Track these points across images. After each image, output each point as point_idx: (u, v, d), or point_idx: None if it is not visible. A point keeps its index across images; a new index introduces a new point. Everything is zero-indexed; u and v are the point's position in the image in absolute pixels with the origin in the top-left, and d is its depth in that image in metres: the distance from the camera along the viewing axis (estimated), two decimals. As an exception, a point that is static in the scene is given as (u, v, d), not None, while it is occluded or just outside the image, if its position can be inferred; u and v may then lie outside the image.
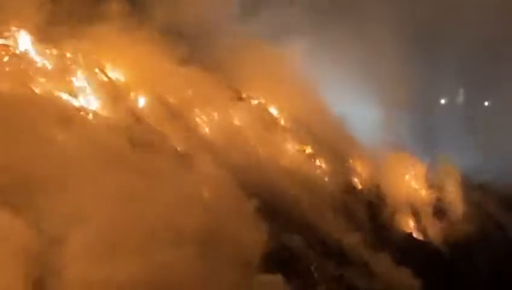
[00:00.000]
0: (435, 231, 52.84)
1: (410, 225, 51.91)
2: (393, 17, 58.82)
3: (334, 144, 51.31)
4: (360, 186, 51.85)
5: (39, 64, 35.68)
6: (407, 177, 54.67)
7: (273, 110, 49.07)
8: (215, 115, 43.20)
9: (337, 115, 52.79)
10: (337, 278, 40.19)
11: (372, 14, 57.80)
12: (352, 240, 44.32)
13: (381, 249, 46.09)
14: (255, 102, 47.97)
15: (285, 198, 41.82)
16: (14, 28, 35.17)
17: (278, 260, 34.64)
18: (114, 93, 38.35)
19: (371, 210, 50.23)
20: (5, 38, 34.86)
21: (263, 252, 32.07)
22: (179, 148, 38.91)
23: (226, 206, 33.29)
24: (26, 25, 35.38)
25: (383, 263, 44.82)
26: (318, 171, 48.96)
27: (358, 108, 54.82)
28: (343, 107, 53.19)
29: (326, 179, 49.09)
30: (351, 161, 52.71)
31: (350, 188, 50.69)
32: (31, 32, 35.55)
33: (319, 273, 39.18)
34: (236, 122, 44.72)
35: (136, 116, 38.53)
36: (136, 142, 34.98)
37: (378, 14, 57.76)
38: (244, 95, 47.17)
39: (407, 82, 59.71)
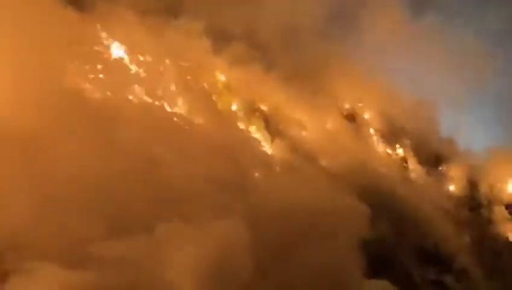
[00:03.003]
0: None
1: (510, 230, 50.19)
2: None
3: (428, 146, 50.14)
4: (456, 191, 50.48)
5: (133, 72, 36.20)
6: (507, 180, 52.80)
7: (365, 114, 48.30)
8: (307, 119, 42.86)
9: (430, 116, 51.49)
10: (436, 283, 39.49)
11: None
12: (450, 246, 43.35)
13: (480, 255, 44.92)
14: (346, 106, 47.33)
15: (379, 204, 41.03)
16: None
17: (379, 264, 34.30)
18: (206, 100, 38.58)
19: (468, 215, 48.96)
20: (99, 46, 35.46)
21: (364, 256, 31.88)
22: (270, 152, 38.86)
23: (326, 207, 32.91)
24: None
25: (481, 270, 43.82)
26: (412, 174, 47.96)
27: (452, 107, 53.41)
28: (437, 107, 51.92)
29: (420, 182, 48.05)
30: (446, 164, 51.29)
31: (446, 193, 49.48)
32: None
33: (419, 278, 38.57)
34: (328, 126, 44.22)
35: (229, 123, 38.71)
36: (229, 147, 35.07)
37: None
38: (335, 99, 46.55)
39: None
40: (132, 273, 24.64)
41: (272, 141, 39.53)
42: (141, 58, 36.28)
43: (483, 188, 51.05)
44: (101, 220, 26.30)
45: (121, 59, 35.80)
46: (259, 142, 39.00)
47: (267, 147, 38.99)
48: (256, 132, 39.41)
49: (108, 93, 33.24)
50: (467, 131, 55.61)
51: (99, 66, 33.96)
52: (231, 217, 27.26)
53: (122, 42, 35.92)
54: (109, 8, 34.52)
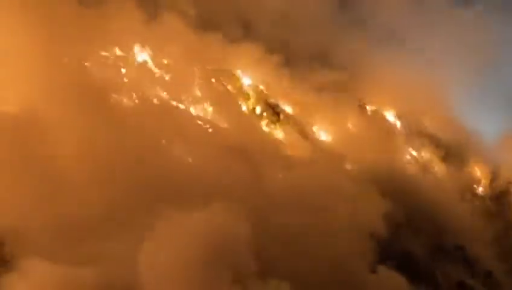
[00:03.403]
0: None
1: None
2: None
3: (453, 148, 49.89)
4: (480, 193, 50.16)
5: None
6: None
7: (390, 116, 48.26)
8: (332, 122, 43.00)
9: (455, 118, 51.19)
10: (459, 284, 39.48)
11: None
12: (474, 248, 43.24)
13: (504, 258, 44.76)
14: (372, 108, 47.34)
15: (403, 205, 41.07)
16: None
17: (402, 263, 34.53)
18: (229, 102, 38.91)
19: (493, 217, 48.69)
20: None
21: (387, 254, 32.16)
22: (295, 155, 39.02)
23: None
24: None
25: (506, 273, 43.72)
26: (437, 176, 47.82)
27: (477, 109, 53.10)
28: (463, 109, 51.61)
29: (444, 185, 47.85)
30: (470, 165, 50.89)
31: (470, 195, 49.23)
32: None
33: (443, 278, 38.55)
34: (353, 128, 44.28)
35: (251, 125, 39.02)
36: (251, 150, 35.35)
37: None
38: (360, 102, 46.55)
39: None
40: (129, 270, 24.46)
41: (291, 138, 39.70)
42: (164, 60, 36.72)
43: (504, 174, 50.41)
44: (102, 219, 26.49)
45: (143, 60, 36.35)
46: (277, 139, 39.24)
47: (285, 144, 39.17)
48: (274, 130, 39.68)
49: (122, 90, 33.76)
50: (483, 121, 54.93)
51: (115, 63, 34.55)
52: (234, 207, 26.76)
53: (136, 40, 36.42)
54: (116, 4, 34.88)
